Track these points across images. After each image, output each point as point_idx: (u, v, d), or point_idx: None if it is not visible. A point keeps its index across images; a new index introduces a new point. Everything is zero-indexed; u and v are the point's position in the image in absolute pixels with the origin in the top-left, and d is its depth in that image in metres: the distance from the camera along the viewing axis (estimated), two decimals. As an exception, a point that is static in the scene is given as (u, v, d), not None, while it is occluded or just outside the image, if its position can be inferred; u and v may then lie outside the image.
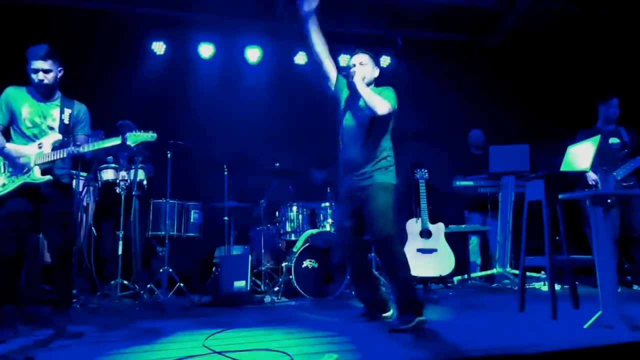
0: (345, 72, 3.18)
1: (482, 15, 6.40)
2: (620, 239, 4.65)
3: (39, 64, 2.97)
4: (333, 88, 3.33)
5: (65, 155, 2.97)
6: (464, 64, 6.71)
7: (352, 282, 3.50)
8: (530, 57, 6.75)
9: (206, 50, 6.19)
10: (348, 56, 3.30)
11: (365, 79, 3.16)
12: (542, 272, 5.16)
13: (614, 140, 4.72)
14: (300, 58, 6.53)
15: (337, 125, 3.35)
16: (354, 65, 3.20)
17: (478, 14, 6.34)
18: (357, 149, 3.16)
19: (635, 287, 4.66)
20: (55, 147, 3.01)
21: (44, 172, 2.97)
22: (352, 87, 3.18)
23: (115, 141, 3.05)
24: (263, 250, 5.00)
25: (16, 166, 2.94)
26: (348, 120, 3.22)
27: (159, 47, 6.04)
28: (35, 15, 5.45)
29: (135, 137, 3.11)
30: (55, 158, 2.97)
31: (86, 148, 3.00)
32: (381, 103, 3.04)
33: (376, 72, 3.30)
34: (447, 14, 6.22)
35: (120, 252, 4.37)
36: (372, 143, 3.15)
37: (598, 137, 3.35)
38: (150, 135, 3.16)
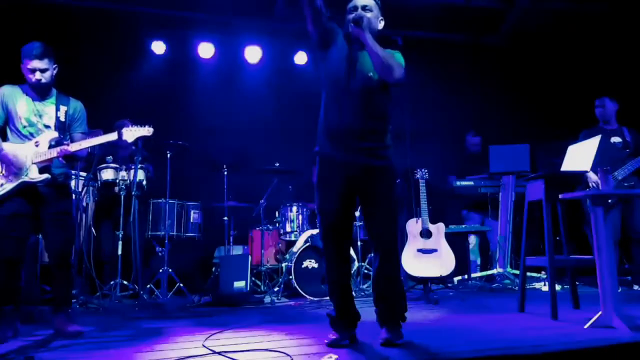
0: (352, 17, 2.54)
1: (483, 15, 6.40)
2: (620, 239, 4.64)
3: (35, 64, 2.95)
4: (325, 25, 2.58)
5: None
6: (464, 63, 6.70)
7: (334, 291, 2.63)
8: (531, 57, 6.75)
9: (206, 49, 6.19)
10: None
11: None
12: (543, 273, 5.16)
13: (616, 139, 4.72)
14: (300, 58, 6.53)
15: (322, 80, 2.64)
16: (355, 9, 2.58)
17: (479, 13, 6.33)
18: (359, 115, 2.50)
19: (636, 287, 4.65)
20: (52, 145, 3.00)
21: (41, 171, 2.96)
22: (355, 38, 2.56)
23: (112, 137, 3.04)
24: (263, 250, 5.00)
25: (13, 166, 2.93)
26: (345, 78, 2.54)
27: (158, 47, 6.04)
28: (34, 13, 5.45)
29: (131, 132, 3.11)
30: (52, 156, 2.96)
31: (83, 145, 2.99)
32: (397, 66, 2.48)
33: (381, 24, 2.66)
34: (448, 14, 6.21)
35: (119, 252, 4.37)
36: (379, 111, 2.56)
37: (598, 137, 3.35)
38: (146, 130, 3.16)
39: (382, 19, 2.67)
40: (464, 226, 5.40)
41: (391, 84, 2.53)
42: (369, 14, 2.57)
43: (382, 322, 2.60)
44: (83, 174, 4.35)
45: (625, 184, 4.56)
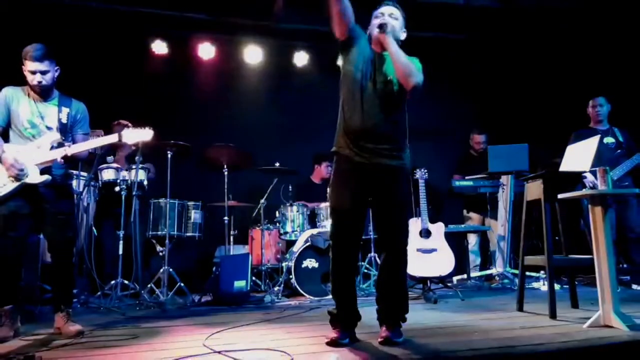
0: (377, 21, 2.61)
1: (483, 15, 6.41)
2: (617, 240, 4.65)
3: (35, 66, 2.95)
4: (351, 28, 2.63)
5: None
6: (463, 63, 6.71)
7: (338, 289, 2.65)
8: (530, 57, 6.75)
9: (206, 50, 6.20)
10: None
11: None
12: (542, 272, 5.17)
13: (609, 139, 4.74)
14: (300, 58, 6.53)
15: (343, 83, 2.70)
16: (382, 15, 2.65)
17: (478, 13, 6.34)
18: (377, 118, 2.58)
19: (634, 286, 4.67)
20: (54, 147, 3.01)
21: (42, 173, 2.98)
22: (377, 41, 2.64)
23: (112, 138, 3.06)
24: (263, 250, 5.01)
25: (15, 167, 2.92)
26: (365, 81, 2.62)
27: (159, 47, 6.04)
28: (35, 14, 5.45)
29: (131, 135, 3.12)
30: (53, 158, 2.97)
31: (84, 147, 3.00)
32: (417, 73, 2.55)
33: (403, 35, 2.73)
34: (446, 13, 6.22)
35: (120, 251, 4.38)
36: (396, 114, 2.64)
37: (597, 137, 3.36)
38: (145, 132, 3.17)
39: (405, 31, 2.73)
40: (463, 226, 5.42)
41: (410, 90, 2.57)
42: (394, 22, 2.63)
43: (383, 321, 2.63)
44: (84, 174, 4.36)
45: (621, 184, 4.57)
